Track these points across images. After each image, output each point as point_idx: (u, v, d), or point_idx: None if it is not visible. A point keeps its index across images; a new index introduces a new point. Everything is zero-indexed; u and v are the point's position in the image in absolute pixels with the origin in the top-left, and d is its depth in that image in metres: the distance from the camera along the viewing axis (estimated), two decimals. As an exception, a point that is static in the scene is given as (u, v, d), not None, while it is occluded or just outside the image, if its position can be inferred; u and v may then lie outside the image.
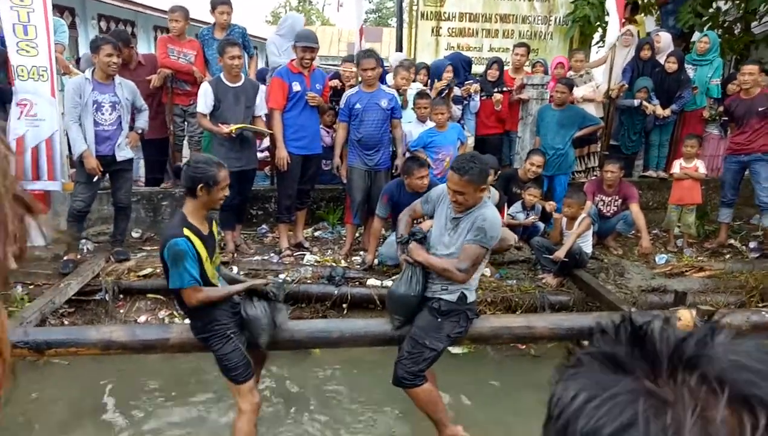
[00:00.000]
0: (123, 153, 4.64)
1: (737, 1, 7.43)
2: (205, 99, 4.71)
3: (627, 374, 0.42)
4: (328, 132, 5.78)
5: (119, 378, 3.95)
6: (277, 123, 4.91)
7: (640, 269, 5.29)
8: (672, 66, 6.32)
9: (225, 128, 4.60)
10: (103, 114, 4.52)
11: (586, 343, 0.50)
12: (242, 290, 3.06)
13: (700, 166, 5.69)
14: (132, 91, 4.72)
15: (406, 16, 8.69)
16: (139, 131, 4.89)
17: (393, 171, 5.28)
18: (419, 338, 3.09)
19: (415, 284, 3.15)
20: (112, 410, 3.71)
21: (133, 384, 3.94)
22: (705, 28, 7.21)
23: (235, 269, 4.68)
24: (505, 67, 6.60)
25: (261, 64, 8.23)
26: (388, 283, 4.80)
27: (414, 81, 6.17)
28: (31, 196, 0.35)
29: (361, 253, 5.32)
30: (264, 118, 5.00)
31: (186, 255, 2.72)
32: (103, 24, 11.40)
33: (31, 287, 4.31)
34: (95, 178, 4.52)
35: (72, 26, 9.78)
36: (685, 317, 3.56)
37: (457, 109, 6.16)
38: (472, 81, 6.26)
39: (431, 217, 3.36)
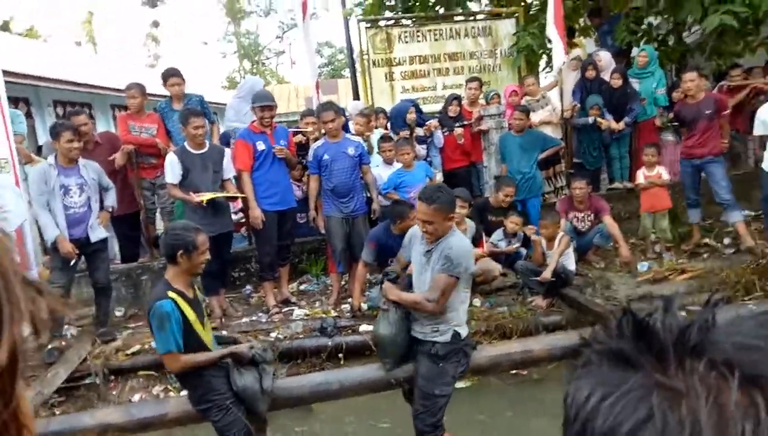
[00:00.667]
0: (96, 233, 4.58)
1: (665, 16, 7.91)
2: (172, 169, 4.72)
3: (636, 369, 0.43)
4: (298, 186, 5.82)
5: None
6: (247, 183, 4.93)
7: (625, 279, 5.39)
8: (617, 81, 6.64)
9: (196, 198, 4.59)
10: (71, 197, 4.48)
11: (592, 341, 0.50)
12: (225, 354, 2.98)
13: (663, 173, 5.91)
14: (97, 171, 4.71)
15: (358, 66, 8.94)
16: (110, 209, 4.85)
17: (372, 216, 5.33)
18: (428, 389, 3.08)
19: (395, 323, 3.17)
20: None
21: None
22: (642, 43, 7.63)
23: (224, 332, 4.58)
24: (462, 102, 6.83)
25: (222, 130, 8.29)
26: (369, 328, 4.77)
27: (376, 127, 6.33)
28: (37, 279, 0.37)
29: (350, 300, 5.29)
30: (233, 181, 5.02)
31: (170, 317, 2.69)
32: (59, 109, 11.37)
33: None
34: (72, 262, 4.43)
35: (28, 115, 9.72)
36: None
37: (421, 149, 6.31)
38: (430, 120, 6.45)
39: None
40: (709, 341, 0.43)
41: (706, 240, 6.10)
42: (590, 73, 6.77)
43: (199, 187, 4.70)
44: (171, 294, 2.73)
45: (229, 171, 4.98)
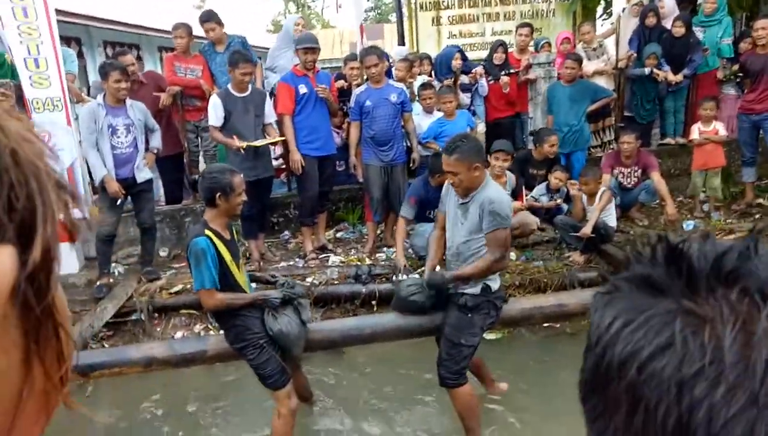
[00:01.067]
0: (142, 174, 4.71)
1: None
2: (215, 111, 4.75)
3: (664, 295, 0.41)
4: (338, 133, 5.80)
5: (164, 393, 4.03)
6: (288, 127, 4.94)
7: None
8: (679, 30, 6.20)
9: (237, 142, 4.64)
10: (118, 137, 4.60)
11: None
12: (257, 298, 3.07)
13: (720, 129, 5.59)
14: (143, 112, 4.80)
15: (405, 10, 8.66)
16: (155, 151, 4.96)
17: (410, 165, 5.28)
18: (455, 338, 3.10)
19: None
20: (160, 423, 3.79)
21: (177, 397, 4.01)
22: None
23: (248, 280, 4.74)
24: (510, 49, 6.56)
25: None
26: (416, 276, 4.81)
27: (419, 74, 6.17)
28: (70, 182, 0.38)
29: (385, 249, 5.33)
30: (274, 126, 5.03)
31: (206, 254, 2.77)
32: (109, 50, 11.57)
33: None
34: (119, 202, 4.60)
35: (80, 55, 9.92)
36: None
37: (465, 97, 6.14)
38: (476, 67, 6.23)
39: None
40: (746, 269, 0.40)
41: (760, 200, 5.81)
42: (650, 21, 6.34)
43: (240, 131, 4.74)
44: (207, 232, 2.81)
45: (270, 115, 4.99)
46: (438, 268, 3.39)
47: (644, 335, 0.39)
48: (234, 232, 3.08)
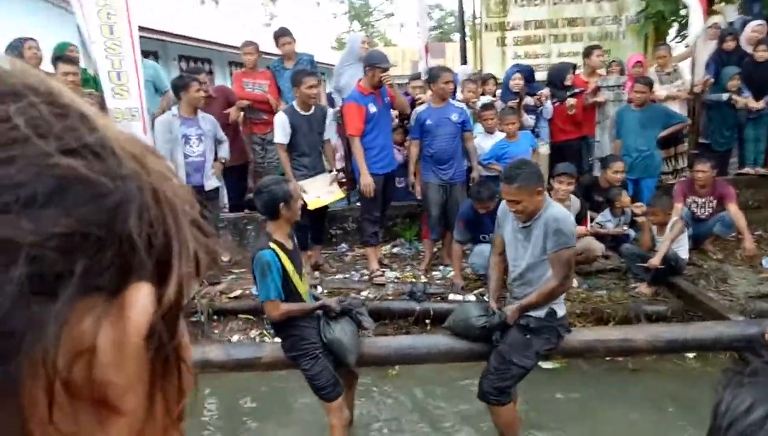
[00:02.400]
0: (210, 182, 4.89)
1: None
2: (283, 129, 4.79)
3: None
4: (399, 150, 5.81)
5: (218, 396, 4.10)
6: (359, 150, 4.89)
7: (745, 274, 4.90)
8: (764, 54, 5.88)
9: (297, 186, 4.51)
10: (191, 146, 4.79)
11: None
12: (317, 306, 3.13)
13: None
14: (213, 123, 4.98)
15: (468, 30, 8.67)
16: (223, 161, 5.13)
17: (470, 184, 5.22)
18: (506, 354, 3.00)
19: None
20: (210, 427, 3.85)
21: (230, 401, 4.08)
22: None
23: (319, 288, 4.77)
24: (578, 71, 6.41)
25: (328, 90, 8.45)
26: (471, 297, 4.73)
27: (482, 94, 6.12)
28: (203, 221, 0.37)
29: (441, 267, 5.27)
30: (332, 141, 5.11)
31: (271, 266, 2.82)
32: (183, 64, 12.17)
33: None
34: None
35: (155, 68, 10.50)
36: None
37: (529, 118, 6.03)
38: (541, 89, 6.12)
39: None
40: None
41: None
42: (729, 45, 6.06)
43: (304, 149, 4.83)
44: (272, 245, 2.87)
45: (330, 132, 5.06)
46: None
47: None
48: (295, 241, 3.12)
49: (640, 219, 4.87)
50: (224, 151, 5.13)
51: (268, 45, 7.57)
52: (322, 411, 3.19)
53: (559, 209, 2.93)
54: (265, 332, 4.59)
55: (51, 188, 0.27)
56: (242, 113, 5.97)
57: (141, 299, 0.30)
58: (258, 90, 6.00)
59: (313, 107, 4.93)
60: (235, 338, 4.62)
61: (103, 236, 0.28)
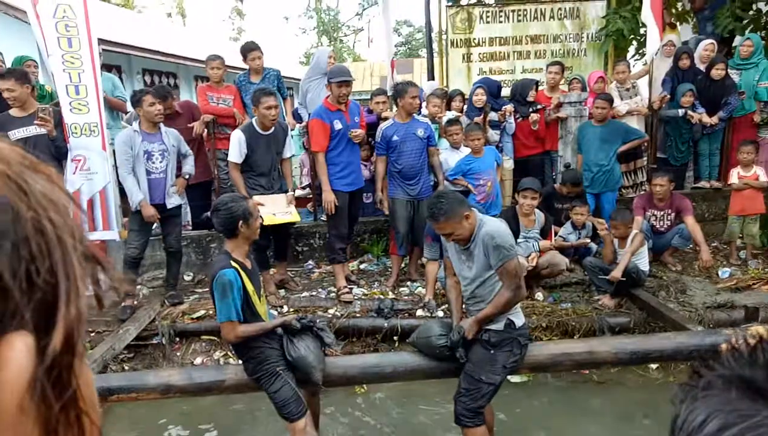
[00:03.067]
0: (172, 200, 4.77)
1: (779, 1, 7.20)
2: (239, 147, 4.70)
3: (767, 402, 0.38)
4: (365, 166, 5.81)
5: (180, 421, 3.98)
6: (322, 166, 4.87)
7: (703, 285, 5.04)
8: (720, 73, 6.10)
9: (253, 202, 4.47)
10: (153, 162, 4.68)
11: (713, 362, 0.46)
12: (276, 324, 3.08)
13: (761, 174, 5.46)
14: (177, 138, 4.88)
15: (435, 46, 8.77)
16: (187, 176, 5.03)
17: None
18: (474, 374, 3.00)
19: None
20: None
21: (193, 425, 3.95)
22: (747, 31, 6.99)
23: (285, 307, 4.71)
24: (540, 88, 6.55)
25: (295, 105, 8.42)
26: (439, 313, 4.72)
27: (449, 109, 6.18)
28: (100, 252, 0.32)
29: (408, 283, 5.26)
30: (291, 160, 5.07)
31: (233, 287, 2.76)
32: (147, 78, 11.97)
33: (93, 334, 4.43)
34: (152, 225, 4.66)
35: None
36: (761, 334, 3.33)
37: (494, 134, 6.11)
38: (506, 104, 6.22)
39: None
40: None
41: (801, 250, 5.59)
42: (684, 63, 6.28)
43: (260, 168, 4.77)
44: (233, 264, 2.81)
45: (288, 150, 5.03)
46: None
47: None
48: (254, 262, 3.07)
49: (602, 233, 4.96)
50: (189, 167, 5.02)
51: (234, 59, 7.51)
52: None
53: (492, 225, 2.95)
54: (229, 353, 4.48)
55: None
56: (206, 129, 5.88)
57: (16, 354, 0.26)
58: (222, 104, 5.93)
59: (273, 127, 4.83)
60: (198, 360, 4.50)
61: None
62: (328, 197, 4.85)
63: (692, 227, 5.09)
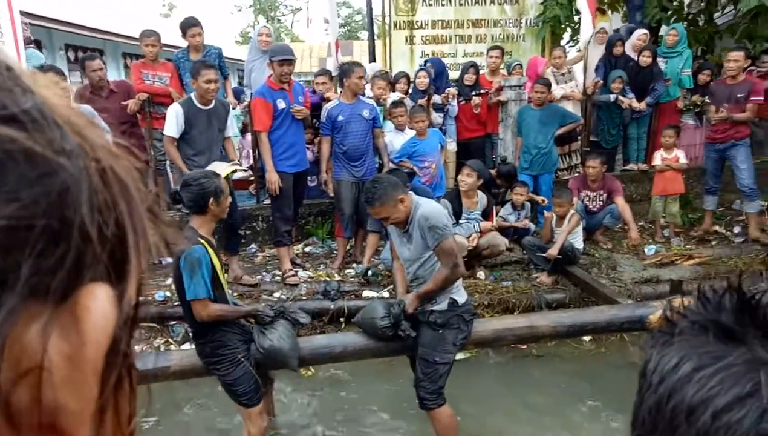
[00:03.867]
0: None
1: (699, -6, 7.65)
2: (176, 120, 4.48)
3: (739, 344, 0.40)
4: (309, 148, 5.74)
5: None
6: (265, 145, 4.77)
7: (631, 261, 5.35)
8: (647, 60, 6.44)
9: (186, 169, 4.41)
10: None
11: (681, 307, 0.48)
12: (249, 312, 3.07)
13: (681, 157, 5.83)
14: (91, 114, 4.61)
15: (376, 28, 8.74)
16: None
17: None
18: (429, 357, 3.07)
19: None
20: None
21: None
22: (672, 21, 7.39)
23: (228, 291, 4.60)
24: (481, 71, 6.67)
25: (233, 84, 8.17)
26: (385, 294, 4.78)
27: (394, 91, 6.19)
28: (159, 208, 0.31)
29: (354, 265, 5.28)
30: (233, 140, 4.94)
31: (201, 263, 2.69)
32: (71, 54, 11.24)
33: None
34: None
35: (39, 58, 9.62)
36: (685, 306, 3.59)
37: (438, 116, 6.19)
38: (450, 87, 6.30)
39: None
40: None
41: (717, 227, 6.04)
42: (618, 50, 6.57)
43: (200, 146, 4.57)
44: (201, 241, 2.73)
45: (231, 129, 4.88)
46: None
47: (720, 381, 0.38)
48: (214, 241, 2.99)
49: (545, 214, 5.15)
50: None
51: (167, 37, 7.18)
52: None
53: (427, 207, 3.01)
54: (170, 339, 4.36)
55: None
56: (141, 107, 5.61)
57: (99, 303, 0.25)
58: (159, 83, 5.67)
59: (214, 102, 4.65)
60: (137, 348, 4.33)
61: (53, 226, 0.23)
62: (272, 178, 4.77)
63: (622, 208, 5.38)
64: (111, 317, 0.26)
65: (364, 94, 5.55)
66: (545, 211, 5.16)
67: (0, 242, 0.21)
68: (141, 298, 0.29)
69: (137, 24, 11.78)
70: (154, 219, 0.30)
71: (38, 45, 10.06)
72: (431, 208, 2.98)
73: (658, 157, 5.90)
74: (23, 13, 6.42)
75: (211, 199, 2.77)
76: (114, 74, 12.31)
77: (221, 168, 4.61)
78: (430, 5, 7.68)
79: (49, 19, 9.77)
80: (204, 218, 2.82)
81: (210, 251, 2.76)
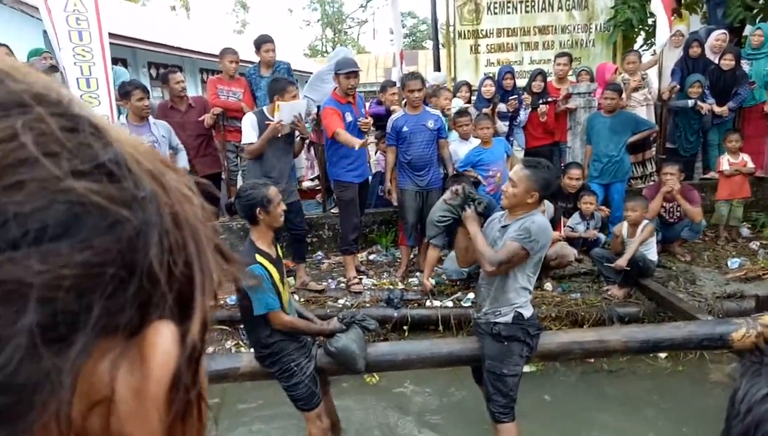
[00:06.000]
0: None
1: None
2: (252, 128, 4.62)
3: None
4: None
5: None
6: (348, 139, 4.64)
7: (713, 275, 5.05)
8: (729, 63, 6.09)
9: (276, 120, 4.45)
10: (143, 155, 4.70)
11: None
12: (324, 332, 3.16)
13: (748, 161, 5.68)
14: (167, 130, 4.89)
15: (441, 37, 8.75)
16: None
17: (445, 191, 5.25)
18: (496, 369, 3.02)
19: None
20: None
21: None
22: (758, 20, 6.95)
23: (296, 296, 4.73)
24: (549, 78, 6.54)
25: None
26: (449, 303, 4.76)
27: (455, 97, 6.18)
28: (225, 246, 0.33)
29: (418, 274, 5.29)
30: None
31: (263, 281, 2.77)
32: (153, 71, 11.99)
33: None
34: None
35: (125, 76, 10.32)
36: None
37: (503, 125, 6.11)
38: (516, 96, 6.22)
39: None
40: None
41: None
42: (695, 51, 6.25)
43: (270, 158, 4.67)
44: (258, 258, 2.81)
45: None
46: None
47: None
48: (279, 249, 3.09)
49: (615, 228, 4.96)
50: (183, 161, 5.02)
51: (240, 53, 7.52)
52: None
53: (543, 219, 2.95)
54: (240, 342, 4.53)
55: (63, 218, 0.23)
56: (216, 120, 5.90)
57: (163, 341, 0.27)
58: (233, 98, 5.95)
59: None
60: (209, 349, 4.54)
61: (122, 270, 0.25)
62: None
63: (692, 210, 5.12)
64: (174, 354, 0.27)
65: (427, 104, 5.57)
66: (616, 227, 4.94)
67: (74, 286, 0.23)
68: (207, 335, 0.31)
69: (212, 41, 12.42)
70: (222, 258, 0.32)
71: (124, 63, 10.82)
72: (544, 223, 2.92)
73: (726, 162, 5.71)
74: (110, 35, 6.94)
75: (259, 208, 2.81)
76: (192, 89, 13.01)
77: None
78: (495, 14, 7.62)
79: (133, 39, 10.48)
80: (258, 228, 2.88)
81: (268, 265, 2.83)
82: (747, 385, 0.43)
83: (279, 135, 4.54)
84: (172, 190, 0.29)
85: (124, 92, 4.76)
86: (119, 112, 6.03)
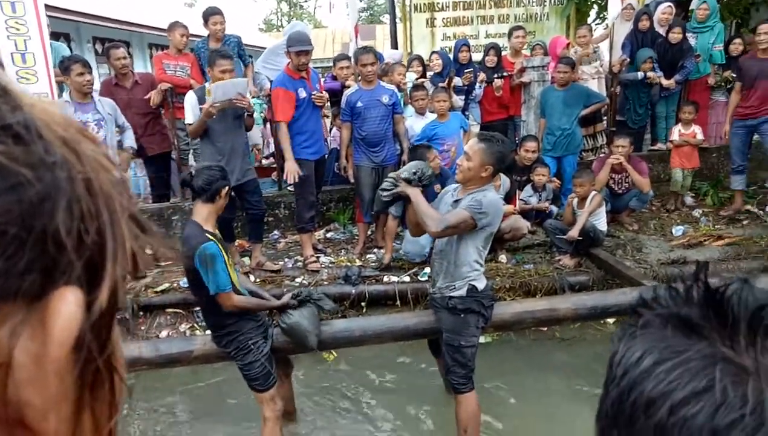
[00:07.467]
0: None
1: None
2: (192, 109, 4.51)
3: (701, 339, 0.40)
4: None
5: (146, 395, 3.96)
6: (284, 135, 4.73)
7: (658, 243, 5.24)
8: (677, 36, 6.23)
9: (207, 104, 4.31)
10: (89, 133, 4.53)
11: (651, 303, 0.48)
12: (275, 306, 3.15)
13: (698, 133, 5.87)
14: (113, 108, 4.71)
15: (398, 11, 8.65)
16: (130, 151, 4.87)
17: (401, 166, 5.24)
18: (454, 341, 3.07)
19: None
20: (142, 423, 3.73)
21: (161, 398, 3.95)
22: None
23: (251, 277, 4.68)
24: (504, 53, 6.56)
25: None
26: (406, 278, 4.79)
27: (407, 72, 6.14)
28: (144, 216, 0.33)
29: (375, 250, 5.30)
30: (256, 128, 4.97)
31: (218, 259, 2.75)
32: (98, 46, 11.46)
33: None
34: None
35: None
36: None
37: (459, 100, 6.12)
38: (472, 69, 6.22)
39: None
40: None
41: (748, 207, 5.85)
42: (644, 24, 6.36)
43: (220, 135, 4.55)
44: (210, 236, 2.78)
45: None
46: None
47: (679, 376, 0.38)
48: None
49: (569, 198, 5.07)
50: (129, 140, 4.85)
51: (191, 26, 7.25)
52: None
53: (495, 195, 3.00)
54: (195, 325, 4.46)
55: None
56: (163, 98, 5.69)
57: (66, 306, 0.27)
58: (180, 72, 5.74)
59: None
60: (163, 333, 4.45)
61: (24, 233, 0.24)
62: (291, 167, 4.73)
63: (640, 181, 5.29)
64: (77, 318, 0.27)
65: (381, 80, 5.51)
66: (570, 197, 5.06)
67: None
68: (117, 302, 0.31)
69: (162, 15, 11.93)
70: (137, 227, 0.31)
71: (67, 38, 10.29)
72: (495, 200, 2.95)
73: (676, 133, 5.95)
74: (49, 7, 6.57)
75: (221, 188, 2.83)
76: (140, 65, 12.52)
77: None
78: (451, -14, 7.56)
79: (77, 13, 9.96)
80: (209, 208, 2.85)
81: (220, 246, 2.82)
82: (624, 348, 0.44)
83: (213, 116, 4.39)
84: (87, 158, 0.28)
85: (64, 68, 4.54)
86: (61, 90, 5.76)
